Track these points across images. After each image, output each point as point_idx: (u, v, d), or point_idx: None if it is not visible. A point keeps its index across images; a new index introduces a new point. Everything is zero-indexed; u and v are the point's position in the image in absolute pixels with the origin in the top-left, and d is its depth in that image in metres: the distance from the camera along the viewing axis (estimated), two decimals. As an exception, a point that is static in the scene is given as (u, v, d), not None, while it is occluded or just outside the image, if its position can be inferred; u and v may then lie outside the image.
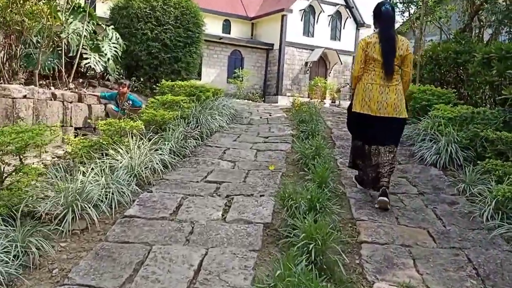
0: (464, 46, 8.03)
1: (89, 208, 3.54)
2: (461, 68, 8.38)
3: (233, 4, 26.27)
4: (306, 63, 24.82)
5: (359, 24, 26.24)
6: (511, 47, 6.29)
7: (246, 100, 23.04)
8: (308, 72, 24.98)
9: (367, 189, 4.58)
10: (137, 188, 4.25)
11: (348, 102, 22.12)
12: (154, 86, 9.39)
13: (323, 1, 24.80)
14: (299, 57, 24.73)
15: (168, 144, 5.51)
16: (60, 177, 3.90)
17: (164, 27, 9.52)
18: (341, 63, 25.22)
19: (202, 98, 7.48)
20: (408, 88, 4.50)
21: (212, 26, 24.86)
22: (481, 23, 10.26)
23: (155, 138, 5.53)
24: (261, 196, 4.23)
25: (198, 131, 6.51)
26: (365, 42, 4.15)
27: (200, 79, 23.72)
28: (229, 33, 25.45)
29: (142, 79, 9.77)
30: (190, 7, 9.90)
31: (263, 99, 24.31)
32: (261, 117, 9.07)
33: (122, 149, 4.80)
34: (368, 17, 30.19)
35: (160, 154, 5.15)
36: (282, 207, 3.58)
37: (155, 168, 4.80)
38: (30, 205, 3.62)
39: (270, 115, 9.38)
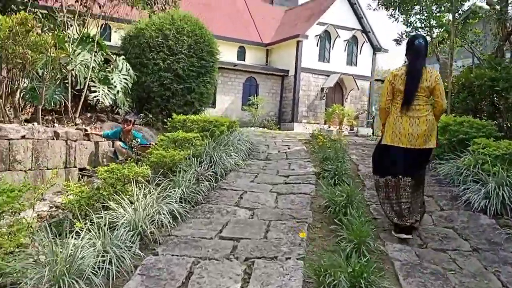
0: (500, 73, 7.32)
1: (79, 284, 2.89)
2: (496, 96, 7.65)
3: (248, 31, 26.05)
4: (322, 89, 24.26)
5: (376, 49, 25.71)
6: (562, 74, 5.57)
7: (261, 128, 22.47)
8: (324, 98, 24.39)
9: (402, 225, 4.10)
10: (140, 251, 3.58)
11: (366, 129, 21.31)
12: (166, 119, 8.87)
13: (339, 26, 24.39)
14: (315, 83, 24.21)
15: (178, 189, 4.88)
16: (50, 240, 3.27)
17: (177, 56, 9.04)
18: (358, 89, 24.58)
19: (217, 133, 6.88)
20: (440, 117, 4.62)
21: (227, 53, 24.58)
22: (513, 47, 9.57)
23: (164, 183, 4.91)
24: (287, 259, 3.53)
25: (212, 171, 5.89)
26: (392, 75, 4.23)
27: (214, 107, 23.33)
28: (244, 60, 25.14)
29: (153, 111, 9.26)
30: (204, 35, 9.43)
31: (279, 126, 23.74)
32: (279, 151, 8.42)
33: (124, 200, 4.19)
34: (384, 41, 29.77)
35: (169, 202, 4.52)
36: (318, 285, 2.87)
37: (163, 221, 4.16)
38: (13, 275, 3.01)
39: (288, 148, 8.73)
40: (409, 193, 4.13)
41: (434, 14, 14.33)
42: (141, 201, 4.27)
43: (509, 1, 8.82)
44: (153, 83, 9.09)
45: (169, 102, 9.15)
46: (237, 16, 26.70)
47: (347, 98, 25.06)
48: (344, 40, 24.78)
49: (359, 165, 6.92)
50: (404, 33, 15.28)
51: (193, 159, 5.87)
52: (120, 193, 4.27)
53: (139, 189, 4.43)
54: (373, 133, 19.00)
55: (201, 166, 5.88)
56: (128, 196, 4.31)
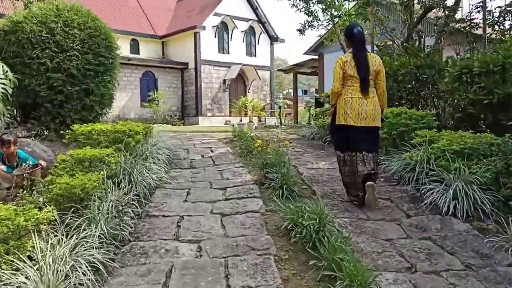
0: (425, 60, 7.09)
1: None
2: (419, 84, 7.44)
3: (140, 22, 24.14)
4: (225, 80, 23.45)
5: (273, 39, 25.55)
6: (499, 60, 5.37)
7: (164, 124, 20.96)
8: (227, 90, 23.61)
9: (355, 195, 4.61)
10: None
11: (271, 119, 20.94)
12: (60, 128, 7.29)
13: (235, 17, 23.69)
14: (217, 75, 23.30)
15: (96, 229, 3.64)
16: None
17: (68, 53, 7.40)
18: (260, 79, 24.24)
19: (132, 144, 5.63)
20: (386, 97, 4.76)
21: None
22: (420, 33, 9.61)
23: (77, 222, 3.64)
24: (271, 323, 2.60)
25: (134, 194, 4.69)
26: (342, 61, 4.47)
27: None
28: (138, 53, 23.28)
29: (43, 120, 7.55)
30: (99, 28, 7.87)
31: (183, 121, 22.47)
32: (203, 156, 7.36)
33: (24, 260, 2.90)
34: (280, 32, 29.86)
35: (87, 249, 3.30)
36: None
37: (83, 282, 2.95)
38: None
39: (212, 152, 7.72)
40: (368, 164, 4.47)
41: (334, 3, 14.25)
42: (49, 257, 3.01)
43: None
44: (40, 87, 7.35)
45: (62, 107, 7.51)
46: (126, 6, 24.59)
47: (249, 89, 24.58)
48: (242, 31, 24.19)
49: (299, 167, 6.18)
50: (306, 23, 15.04)
51: (109, 181, 4.61)
52: (17, 251, 2.95)
53: (44, 240, 3.14)
54: (280, 123, 18.68)
55: (120, 189, 4.64)
56: (28, 253, 3.02)
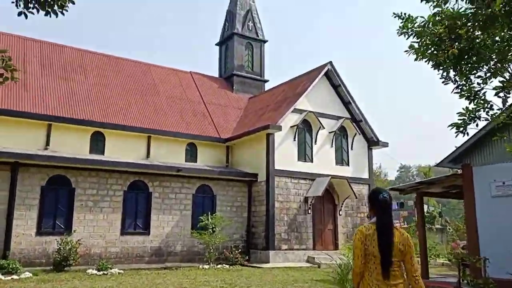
0: None
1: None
2: None
3: (201, 123, 18.70)
4: (306, 198, 16.47)
5: (372, 142, 18.62)
6: None
7: (219, 266, 14.00)
8: (310, 211, 16.49)
9: None
10: None
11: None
12: None
13: (321, 114, 17.40)
14: (296, 190, 16.44)
15: None
16: None
17: None
18: (356, 196, 16.94)
19: None
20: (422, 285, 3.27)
21: (169, 154, 16.82)
22: None
23: None
24: None
25: None
26: (363, 235, 3.33)
27: (148, 234, 14.96)
28: (196, 161, 17.41)
29: None
30: None
31: (247, 257, 15.39)
32: None
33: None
34: (381, 133, 23.14)
35: None
36: None
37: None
38: None
39: None
40: None
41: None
42: None
43: None
44: None
45: None
46: (187, 104, 19.53)
47: (341, 210, 17.24)
48: (330, 132, 17.66)
49: None
50: (468, 113, 7.83)
51: None
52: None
53: None
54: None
55: None
56: None
